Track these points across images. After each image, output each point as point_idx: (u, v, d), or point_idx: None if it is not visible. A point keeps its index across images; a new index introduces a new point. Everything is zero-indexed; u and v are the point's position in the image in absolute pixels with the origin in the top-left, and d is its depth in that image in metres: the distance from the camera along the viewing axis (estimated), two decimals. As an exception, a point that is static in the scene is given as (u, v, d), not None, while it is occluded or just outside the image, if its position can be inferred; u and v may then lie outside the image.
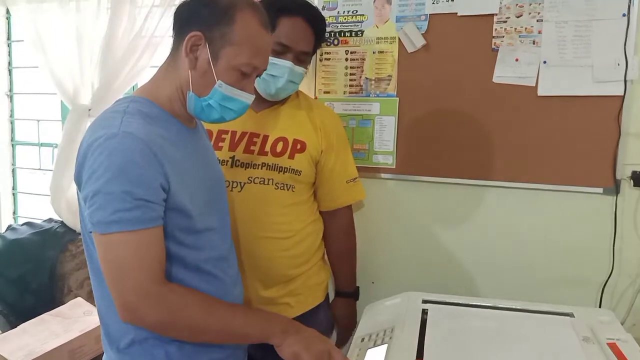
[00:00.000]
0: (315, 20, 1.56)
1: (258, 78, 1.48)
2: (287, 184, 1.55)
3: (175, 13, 1.13)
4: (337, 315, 1.79)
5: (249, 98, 1.15)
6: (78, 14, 2.24)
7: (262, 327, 1.11)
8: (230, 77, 1.09)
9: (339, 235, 1.74)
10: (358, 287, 1.84)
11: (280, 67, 1.49)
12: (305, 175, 1.58)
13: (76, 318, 1.78)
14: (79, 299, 1.91)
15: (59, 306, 1.89)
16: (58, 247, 2.15)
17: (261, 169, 1.54)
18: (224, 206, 1.26)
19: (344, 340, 1.82)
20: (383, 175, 1.96)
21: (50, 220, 2.31)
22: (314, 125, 1.61)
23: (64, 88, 2.28)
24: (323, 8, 1.96)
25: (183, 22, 1.11)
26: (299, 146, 1.57)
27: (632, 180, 1.68)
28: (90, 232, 1.04)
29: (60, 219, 2.28)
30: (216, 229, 1.18)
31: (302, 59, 1.54)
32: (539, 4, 1.72)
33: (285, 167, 1.55)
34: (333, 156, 1.64)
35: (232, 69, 1.09)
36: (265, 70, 1.17)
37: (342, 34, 1.97)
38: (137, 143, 0.99)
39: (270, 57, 1.45)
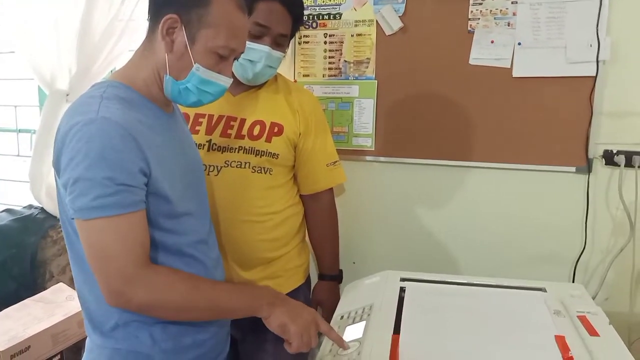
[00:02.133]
0: (292, 4, 1.55)
1: (235, 62, 1.48)
2: (264, 167, 1.56)
3: None
4: (321, 299, 1.77)
5: (227, 81, 1.15)
6: (54, -1, 2.22)
7: (248, 301, 1.13)
8: (207, 60, 1.09)
9: (321, 219, 1.74)
10: (341, 271, 1.84)
11: (257, 52, 1.49)
12: (282, 159, 1.58)
13: (59, 303, 1.79)
14: (61, 284, 1.92)
15: (41, 292, 1.89)
16: (39, 233, 2.14)
17: (238, 152, 1.54)
18: (202, 191, 1.27)
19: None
20: (363, 157, 1.98)
21: (30, 206, 2.29)
22: (292, 108, 1.61)
23: (41, 73, 2.24)
24: (301, -9, 1.96)
25: (158, 4, 1.10)
26: (276, 129, 1.57)
27: (603, 159, 1.73)
28: (72, 218, 1.04)
29: (40, 205, 2.26)
30: (195, 213, 1.19)
31: (279, 42, 1.53)
32: (514, -15, 1.74)
33: (262, 151, 1.55)
34: (312, 139, 1.64)
35: (209, 52, 1.09)
36: (242, 53, 1.18)
37: (321, 16, 1.97)
38: (116, 128, 0.99)
39: (247, 42, 1.45)
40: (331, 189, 1.75)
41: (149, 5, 1.12)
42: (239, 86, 1.57)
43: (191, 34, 1.07)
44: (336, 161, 1.73)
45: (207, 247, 1.22)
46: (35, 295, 1.85)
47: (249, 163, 1.55)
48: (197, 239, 1.18)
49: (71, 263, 1.14)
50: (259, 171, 1.55)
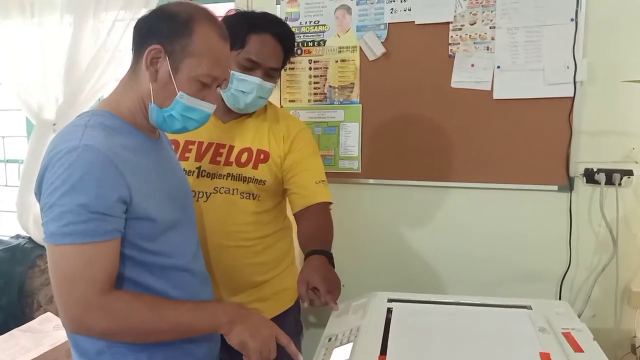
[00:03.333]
0: (285, 37, 1.57)
1: (227, 92, 1.52)
2: (252, 193, 1.57)
3: (134, 27, 1.15)
4: (309, 273, 1.36)
5: (211, 107, 1.17)
6: (41, 29, 2.24)
7: (208, 320, 1.14)
8: (191, 88, 1.12)
9: (316, 226, 1.57)
10: (332, 254, 1.49)
11: (249, 83, 1.52)
12: (269, 185, 1.59)
13: (46, 332, 1.78)
14: (49, 313, 1.90)
15: (28, 322, 1.88)
16: (26, 262, 2.13)
17: (226, 179, 1.56)
18: (190, 213, 1.28)
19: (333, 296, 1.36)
20: (349, 179, 2.00)
21: (17, 236, 2.29)
22: (278, 135, 1.62)
23: (28, 103, 2.26)
24: (286, 19, 2.01)
25: (142, 36, 1.12)
26: (262, 156, 1.59)
27: (584, 177, 1.76)
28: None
29: (28, 235, 2.26)
30: (182, 235, 1.20)
31: (271, 74, 1.56)
32: (492, 11, 1.79)
33: (249, 177, 1.56)
34: (299, 157, 1.61)
35: (193, 80, 1.11)
36: (225, 80, 1.20)
37: (305, 43, 2.01)
38: (98, 155, 1.01)
39: (239, 74, 1.50)
40: (327, 207, 1.64)
41: (134, 36, 1.15)
42: (230, 114, 1.59)
43: (175, 64, 1.10)
44: (324, 180, 1.66)
45: (194, 267, 1.22)
46: (23, 325, 1.84)
47: (237, 189, 1.56)
48: (184, 260, 1.19)
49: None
50: (247, 197, 1.57)
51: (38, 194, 1.07)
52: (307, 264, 1.41)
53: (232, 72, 1.51)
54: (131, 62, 1.15)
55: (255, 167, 1.58)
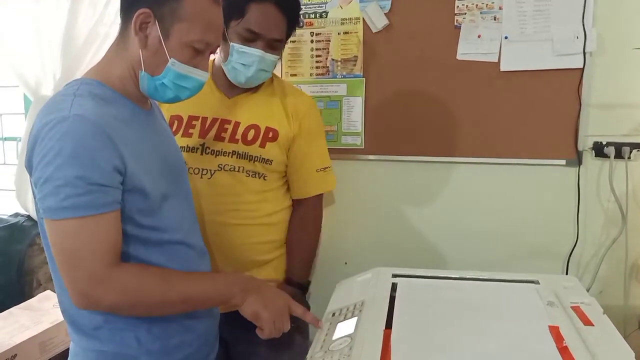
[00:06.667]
0: (288, 6, 1.48)
1: (228, 66, 1.47)
2: (258, 172, 1.53)
3: None
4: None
5: (204, 75, 1.13)
6: (37, 4, 2.19)
7: (221, 290, 1.12)
8: (183, 55, 1.07)
9: (303, 224, 1.66)
10: (309, 282, 1.69)
11: (250, 56, 1.44)
12: (276, 164, 1.55)
13: (45, 310, 1.75)
14: (48, 292, 1.88)
15: (28, 300, 1.86)
16: (25, 241, 2.11)
17: (231, 156, 1.51)
18: (183, 187, 1.24)
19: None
20: (352, 156, 1.97)
21: (16, 214, 2.26)
22: (287, 112, 1.57)
23: (26, 80, 2.22)
24: (286, -10, 1.95)
25: (130, 0, 1.07)
26: (270, 134, 1.54)
27: (593, 151, 1.72)
28: (42, 218, 1.01)
29: (27, 213, 2.23)
30: (177, 208, 1.16)
31: (274, 46, 1.48)
32: (499, -20, 1.74)
33: (255, 156, 1.52)
34: (304, 142, 1.59)
35: (185, 46, 1.07)
36: (218, 46, 1.16)
37: (307, 15, 1.96)
38: (89, 125, 0.97)
39: (239, 45, 1.43)
40: (320, 196, 1.69)
41: (121, 1, 1.10)
42: (234, 88, 1.54)
43: (165, 29, 1.05)
44: (327, 167, 1.67)
45: (190, 241, 1.19)
46: (22, 304, 1.81)
47: (243, 167, 1.52)
48: (180, 234, 1.15)
49: (49, 265, 1.11)
50: (252, 175, 1.53)
51: (29, 167, 1.03)
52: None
53: (231, 44, 1.45)
54: (119, 29, 1.11)
55: (262, 145, 1.53)
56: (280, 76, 1.99)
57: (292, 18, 1.51)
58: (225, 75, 1.51)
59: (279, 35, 1.48)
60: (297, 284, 1.62)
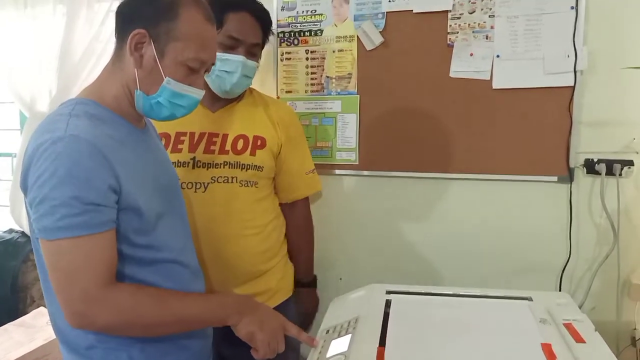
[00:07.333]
0: (261, 14, 1.61)
1: (212, 75, 1.50)
2: (250, 181, 1.57)
3: (116, 12, 1.11)
4: (302, 305, 1.84)
5: (199, 93, 1.14)
6: (34, 20, 2.21)
7: (216, 311, 1.13)
8: (178, 73, 1.08)
9: (298, 227, 1.78)
10: (315, 276, 1.89)
11: (233, 62, 1.52)
12: (267, 170, 1.60)
13: (40, 327, 1.75)
14: (42, 308, 1.88)
15: (22, 316, 1.85)
16: (19, 257, 2.11)
17: (223, 167, 1.55)
18: (179, 205, 1.25)
19: (306, 323, 1.91)
20: (347, 171, 1.98)
21: (10, 230, 2.26)
22: (272, 120, 1.64)
23: (21, 96, 2.24)
24: (282, 8, 1.98)
25: (125, 20, 1.09)
26: (259, 142, 1.59)
27: (585, 168, 1.74)
28: (37, 238, 1.01)
29: (21, 229, 2.24)
30: (172, 227, 1.17)
31: (253, 52, 1.58)
32: (491, 0, 1.77)
33: (247, 164, 1.56)
34: (292, 149, 1.68)
35: (180, 65, 1.08)
36: (213, 64, 1.17)
37: (302, 33, 1.98)
38: (85, 145, 0.97)
39: (221, 54, 1.49)
40: (307, 198, 1.80)
41: (116, 21, 1.11)
42: (217, 102, 1.59)
43: (160, 48, 1.06)
44: (313, 169, 1.79)
45: (184, 260, 1.19)
46: (16, 320, 1.81)
47: (236, 177, 1.56)
48: (174, 253, 1.16)
49: (42, 283, 1.11)
50: (246, 185, 1.57)
51: (23, 187, 1.03)
52: (301, 296, 1.83)
53: None
54: (114, 48, 1.12)
55: (252, 153, 1.58)
56: (275, 93, 2.02)
57: (265, 24, 1.63)
58: (207, 89, 1.55)
59: (256, 40, 1.59)
60: (308, 283, 1.84)
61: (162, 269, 1.12)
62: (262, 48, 1.66)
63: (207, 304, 1.13)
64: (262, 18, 1.60)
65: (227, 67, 1.51)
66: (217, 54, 1.47)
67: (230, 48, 1.52)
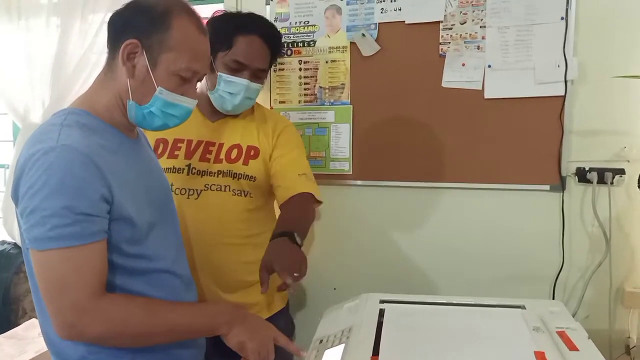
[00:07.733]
0: (272, 38, 1.58)
1: (215, 94, 1.51)
2: (244, 191, 1.57)
3: (109, 22, 1.11)
4: (271, 255, 1.30)
5: (192, 103, 1.14)
6: (28, 32, 2.22)
7: (207, 321, 1.12)
8: (170, 83, 1.08)
9: (292, 213, 1.52)
10: (295, 233, 1.37)
11: (236, 85, 1.52)
12: (260, 181, 1.59)
13: (31, 339, 1.74)
14: (34, 320, 1.86)
15: (13, 328, 1.84)
16: (11, 268, 2.09)
17: (217, 176, 1.55)
18: (171, 215, 1.25)
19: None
20: (340, 181, 1.98)
21: (2, 242, 2.24)
22: (266, 131, 1.63)
23: (15, 107, 2.23)
24: (275, 20, 1.99)
25: (118, 31, 1.09)
26: (252, 152, 1.59)
27: (576, 177, 1.75)
28: (27, 248, 1.01)
29: (13, 241, 2.22)
30: (164, 237, 1.17)
31: (258, 75, 1.57)
32: (482, 10, 1.79)
33: (239, 173, 1.56)
34: (284, 149, 1.61)
35: (172, 75, 1.08)
36: (205, 74, 1.18)
37: (295, 44, 2.00)
38: (77, 155, 0.97)
39: (226, 75, 1.50)
40: (310, 199, 1.59)
41: (108, 32, 1.11)
42: (218, 113, 1.60)
43: (152, 58, 1.07)
44: (306, 173, 1.62)
45: (176, 270, 1.19)
46: (7, 332, 1.80)
47: (229, 186, 1.56)
48: (166, 263, 1.15)
49: (33, 294, 1.10)
50: (238, 194, 1.56)
51: (15, 198, 1.03)
52: (267, 247, 1.33)
53: (219, 73, 1.52)
54: (106, 59, 1.12)
55: (245, 163, 1.58)
56: (269, 103, 2.02)
57: (275, 49, 1.61)
58: (209, 101, 1.57)
59: (263, 66, 1.57)
60: (286, 233, 1.36)
61: (154, 279, 1.12)
62: (270, 69, 1.64)
63: (197, 314, 1.12)
64: (272, 42, 1.58)
65: (231, 88, 1.51)
66: (222, 74, 1.51)
67: (235, 71, 1.51)
